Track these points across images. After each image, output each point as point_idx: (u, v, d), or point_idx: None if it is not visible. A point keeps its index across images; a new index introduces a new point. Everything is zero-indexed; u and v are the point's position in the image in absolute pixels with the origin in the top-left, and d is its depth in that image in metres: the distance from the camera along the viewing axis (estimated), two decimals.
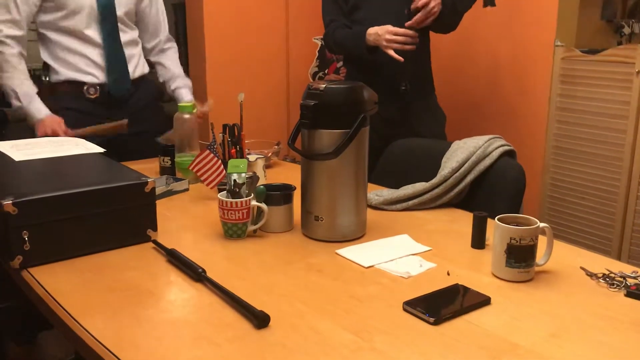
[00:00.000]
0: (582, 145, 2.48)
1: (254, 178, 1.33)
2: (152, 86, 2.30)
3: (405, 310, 0.98)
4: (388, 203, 1.52)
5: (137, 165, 1.57)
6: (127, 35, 2.12)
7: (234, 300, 0.99)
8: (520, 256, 1.07)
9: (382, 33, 2.01)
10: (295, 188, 1.38)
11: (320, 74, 3.44)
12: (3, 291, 1.75)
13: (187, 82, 2.30)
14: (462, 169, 1.50)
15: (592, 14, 2.71)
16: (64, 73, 2.05)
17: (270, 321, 0.93)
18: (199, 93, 3.10)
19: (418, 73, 2.17)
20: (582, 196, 2.51)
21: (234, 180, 1.30)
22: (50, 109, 2.00)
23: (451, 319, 0.95)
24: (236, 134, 1.73)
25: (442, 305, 0.99)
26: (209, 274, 1.09)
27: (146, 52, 2.29)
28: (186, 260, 1.14)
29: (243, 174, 1.31)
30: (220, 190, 1.35)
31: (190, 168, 1.57)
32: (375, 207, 1.52)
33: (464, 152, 1.53)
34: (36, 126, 1.96)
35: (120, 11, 2.07)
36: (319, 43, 3.38)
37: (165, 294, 1.06)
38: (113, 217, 1.23)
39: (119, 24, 2.08)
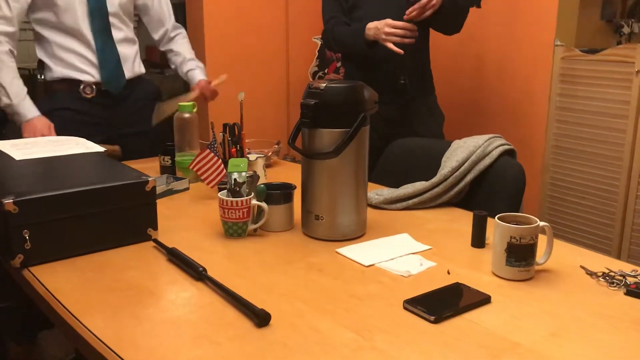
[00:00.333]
0: (582, 144, 2.48)
1: (254, 177, 1.34)
2: (151, 86, 2.30)
3: (405, 308, 0.98)
4: (388, 202, 1.52)
5: (138, 165, 1.57)
6: (121, 32, 2.11)
7: (234, 299, 0.99)
8: (520, 255, 1.08)
9: (381, 27, 2.01)
10: (295, 187, 1.38)
11: (320, 73, 3.44)
12: (3, 291, 1.76)
13: (199, 63, 2.28)
14: (462, 168, 1.51)
15: (591, 13, 2.71)
16: (59, 71, 2.04)
17: (271, 320, 0.93)
18: None
19: (417, 69, 2.17)
20: (582, 195, 2.51)
21: (235, 180, 1.30)
22: (47, 110, 1.98)
23: (451, 317, 0.95)
24: (236, 133, 1.74)
25: (442, 303, 0.99)
26: (210, 273, 1.09)
27: (156, 44, 2.28)
28: (187, 259, 1.14)
29: (243, 173, 1.31)
30: (220, 190, 1.35)
31: (191, 167, 1.57)
32: (375, 207, 1.52)
33: (464, 151, 1.53)
34: (24, 127, 1.92)
35: (112, 7, 2.06)
36: (319, 43, 3.38)
37: (165, 292, 1.06)
38: (114, 216, 1.23)
39: (112, 20, 2.07)
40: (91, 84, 2.06)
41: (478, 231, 1.26)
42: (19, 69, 2.01)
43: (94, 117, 2.08)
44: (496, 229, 1.10)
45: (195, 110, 1.81)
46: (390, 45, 1.99)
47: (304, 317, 0.96)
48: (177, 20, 2.32)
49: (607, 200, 2.41)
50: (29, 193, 1.13)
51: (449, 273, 1.13)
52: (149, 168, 1.82)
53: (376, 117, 1.34)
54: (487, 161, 1.52)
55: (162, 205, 1.44)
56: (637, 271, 1.12)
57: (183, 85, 2.36)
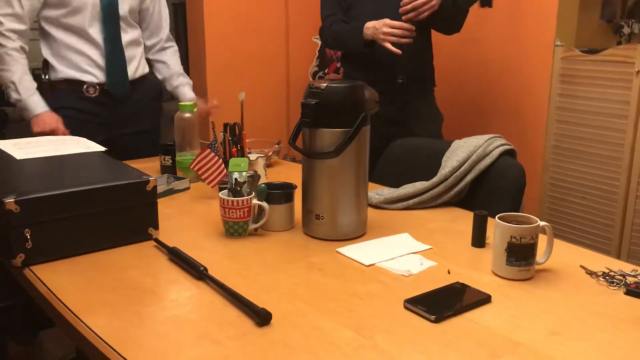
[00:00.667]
0: (582, 144, 2.48)
1: (255, 177, 1.34)
2: (152, 85, 2.30)
3: (406, 308, 0.99)
4: (388, 202, 1.52)
5: (138, 164, 1.57)
6: (128, 35, 2.12)
7: (235, 298, 0.99)
8: (520, 255, 1.08)
9: (379, 26, 2.02)
10: (296, 187, 1.38)
11: (321, 73, 3.45)
12: (3, 290, 1.76)
13: (188, 80, 2.30)
14: (463, 168, 1.51)
15: (591, 14, 2.71)
16: (64, 71, 2.05)
17: (272, 319, 0.93)
18: (200, 92, 3.10)
19: (416, 69, 2.17)
20: (581, 196, 2.51)
21: (235, 179, 1.30)
22: (50, 109, 1.99)
23: (452, 316, 0.96)
24: (237, 133, 1.74)
25: (442, 303, 0.99)
26: (211, 272, 1.09)
27: (146, 50, 2.29)
28: (188, 258, 1.14)
29: (244, 173, 1.31)
30: (221, 189, 1.36)
31: (191, 167, 1.58)
32: (375, 206, 1.52)
33: (464, 151, 1.53)
34: (33, 121, 1.95)
35: (123, 10, 2.07)
36: (319, 42, 3.38)
37: (167, 292, 1.06)
38: (115, 216, 1.23)
39: (121, 24, 2.08)
40: (94, 85, 2.07)
41: (478, 231, 1.26)
42: None
43: (96, 117, 2.08)
44: (496, 228, 1.10)
45: (195, 110, 1.81)
46: (388, 45, 2.00)
47: (304, 317, 0.96)
48: (177, 20, 2.32)
49: (607, 201, 2.41)
50: (30, 192, 1.14)
51: (449, 273, 1.13)
52: (149, 168, 1.82)
53: (375, 117, 1.34)
54: (487, 161, 1.53)
55: (163, 204, 1.45)
56: (637, 271, 1.12)
57: None
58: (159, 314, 0.97)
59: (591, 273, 1.12)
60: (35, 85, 1.98)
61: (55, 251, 1.17)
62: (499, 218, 1.11)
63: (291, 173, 1.89)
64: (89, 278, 1.10)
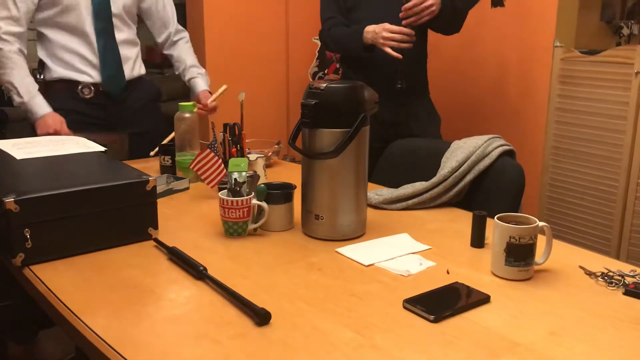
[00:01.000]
0: (581, 145, 2.49)
1: (254, 177, 1.34)
2: (150, 86, 2.30)
3: (405, 308, 0.99)
4: (388, 202, 1.52)
5: (138, 164, 1.58)
6: (123, 33, 2.12)
7: (235, 298, 0.99)
8: (519, 255, 1.08)
9: (379, 31, 2.02)
10: (295, 187, 1.39)
11: (320, 74, 3.45)
12: (3, 290, 1.76)
13: (201, 70, 2.28)
14: (462, 168, 1.51)
15: (591, 15, 2.72)
16: (59, 71, 2.05)
17: (272, 319, 0.94)
18: None
19: (414, 72, 2.17)
20: (581, 196, 2.51)
21: (235, 179, 1.30)
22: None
23: (451, 316, 0.96)
24: (237, 133, 1.74)
25: (442, 303, 0.99)
26: (210, 272, 1.09)
27: (159, 47, 2.29)
28: (187, 258, 1.14)
29: (244, 173, 1.31)
30: (220, 189, 1.36)
31: (191, 167, 1.58)
32: (375, 207, 1.52)
33: (464, 151, 1.53)
34: (37, 124, 1.95)
35: (116, 7, 2.07)
36: (319, 43, 3.39)
37: (166, 291, 1.06)
38: (114, 215, 1.23)
39: (115, 21, 2.08)
40: (89, 85, 2.06)
41: (477, 231, 1.27)
42: None
43: (92, 118, 2.08)
44: (495, 229, 1.11)
45: (195, 110, 1.81)
46: (389, 50, 2.00)
47: (304, 316, 0.96)
48: (177, 20, 2.32)
49: (606, 201, 2.42)
50: (30, 192, 1.14)
51: (448, 273, 1.13)
52: (149, 168, 1.82)
53: (373, 118, 1.34)
54: (486, 162, 1.53)
55: (162, 204, 1.45)
56: (635, 271, 1.12)
57: (183, 86, 2.37)
58: (159, 314, 0.97)
59: (590, 273, 1.12)
60: (37, 87, 1.98)
61: (55, 251, 1.17)
62: (498, 218, 1.11)
63: (291, 173, 1.89)
64: (89, 278, 1.11)
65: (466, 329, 0.92)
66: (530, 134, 2.70)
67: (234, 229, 1.30)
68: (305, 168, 1.31)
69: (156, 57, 5.75)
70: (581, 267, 1.15)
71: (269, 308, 0.94)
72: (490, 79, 2.85)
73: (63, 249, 1.18)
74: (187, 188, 1.69)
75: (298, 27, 3.34)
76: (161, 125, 2.30)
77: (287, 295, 1.04)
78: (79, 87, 2.06)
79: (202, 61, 3.08)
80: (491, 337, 0.90)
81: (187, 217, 1.47)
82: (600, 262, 1.17)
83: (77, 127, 1.97)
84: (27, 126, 2.04)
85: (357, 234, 1.32)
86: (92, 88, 2.07)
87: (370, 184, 1.50)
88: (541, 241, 1.12)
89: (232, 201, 1.28)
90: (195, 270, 1.10)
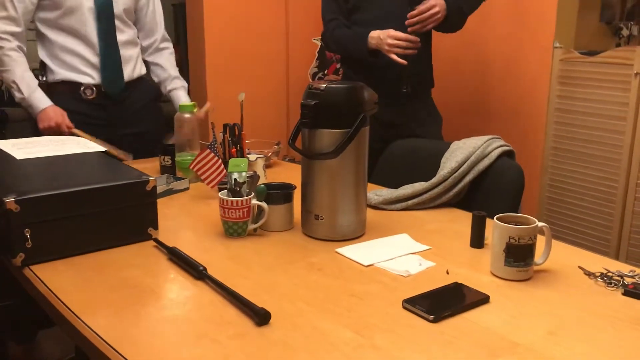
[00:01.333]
0: (581, 146, 2.49)
1: (254, 177, 1.34)
2: (150, 86, 2.31)
3: (405, 308, 0.99)
4: (387, 202, 1.53)
5: (138, 165, 1.58)
6: (124, 34, 2.12)
7: (235, 298, 1.00)
8: (519, 255, 1.08)
9: (384, 37, 2.01)
10: (295, 187, 1.39)
11: (320, 74, 3.45)
12: (3, 290, 1.76)
13: (183, 83, 2.31)
14: (461, 169, 1.51)
15: (591, 16, 2.72)
16: (61, 73, 2.05)
17: (271, 319, 0.94)
18: (199, 93, 3.11)
19: (419, 75, 2.18)
20: (580, 197, 2.52)
21: (235, 179, 1.30)
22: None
23: (450, 317, 0.96)
24: (236, 133, 1.74)
25: (441, 303, 1.00)
26: (210, 272, 1.09)
27: (142, 51, 2.29)
28: (187, 258, 1.15)
29: (244, 173, 1.31)
30: (220, 190, 1.36)
31: (191, 167, 1.58)
32: (374, 207, 1.53)
33: (463, 152, 1.53)
34: (38, 118, 1.96)
35: (117, 8, 2.07)
36: (319, 44, 3.39)
37: (166, 291, 1.06)
38: (114, 216, 1.23)
39: (116, 22, 2.08)
40: (91, 86, 2.07)
41: (477, 231, 1.27)
42: None
43: (94, 119, 2.09)
44: (495, 229, 1.11)
45: (195, 110, 1.81)
46: (394, 57, 2.00)
47: (304, 316, 0.96)
48: (177, 21, 2.32)
49: (606, 202, 2.42)
50: (31, 192, 1.14)
51: (448, 273, 1.13)
52: (149, 168, 1.82)
53: (375, 119, 1.34)
54: (486, 162, 1.53)
55: (162, 205, 1.45)
56: (634, 272, 1.12)
57: None
58: (159, 314, 0.97)
59: (589, 274, 1.12)
60: (36, 82, 1.99)
61: (55, 251, 1.17)
62: (497, 219, 1.11)
63: (290, 173, 1.89)
64: (89, 278, 1.11)
65: (465, 329, 0.92)
66: (529, 134, 2.70)
67: (233, 229, 1.30)
68: (305, 168, 1.31)
69: None
70: (580, 268, 1.15)
71: (269, 308, 0.95)
72: (489, 79, 2.86)
73: (63, 249, 1.18)
74: (187, 188, 1.69)
75: (298, 27, 3.34)
76: (161, 125, 2.30)
77: (286, 295, 1.04)
78: (81, 89, 2.06)
79: (202, 62, 3.09)
80: (490, 337, 0.90)
81: (187, 217, 1.47)
82: (599, 263, 1.18)
83: (78, 127, 1.97)
84: (27, 126, 2.05)
85: (356, 234, 1.32)
86: (94, 89, 2.08)
87: (370, 185, 1.50)
88: (540, 241, 1.12)
89: (232, 201, 1.28)
90: (195, 271, 1.10)
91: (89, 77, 2.07)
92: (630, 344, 0.89)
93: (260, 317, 0.93)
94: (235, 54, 3.16)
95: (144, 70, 2.24)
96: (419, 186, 1.52)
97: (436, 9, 1.98)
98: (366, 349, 0.87)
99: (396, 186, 1.57)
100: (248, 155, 1.74)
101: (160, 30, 2.29)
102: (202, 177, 1.57)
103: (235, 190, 1.30)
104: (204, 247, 1.27)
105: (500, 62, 2.79)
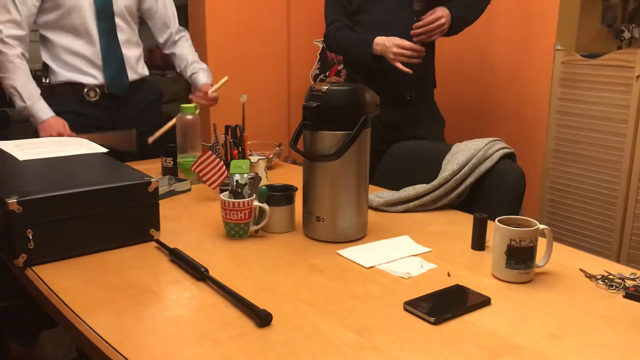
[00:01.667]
0: (582, 148, 2.49)
1: (256, 179, 1.34)
2: (153, 87, 2.31)
3: (406, 310, 0.99)
4: (389, 204, 1.53)
5: (140, 166, 1.58)
6: (125, 34, 2.12)
7: (236, 299, 1.00)
8: (520, 257, 1.08)
9: (389, 45, 2.00)
10: (297, 189, 1.39)
11: (322, 76, 3.45)
12: (5, 290, 1.76)
13: (202, 65, 2.28)
14: (463, 171, 1.51)
15: (592, 18, 2.72)
16: (64, 74, 2.06)
17: (273, 320, 0.94)
18: None
19: (423, 80, 2.17)
20: (581, 199, 2.52)
21: (236, 181, 1.31)
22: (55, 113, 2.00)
23: (451, 319, 0.96)
24: (238, 135, 1.74)
25: (442, 305, 1.00)
26: (211, 274, 1.09)
27: (161, 47, 2.30)
28: (189, 259, 1.15)
29: (245, 175, 1.32)
30: (222, 191, 1.36)
31: (193, 169, 1.58)
32: (376, 209, 1.53)
33: (465, 154, 1.54)
34: (40, 128, 1.96)
35: (118, 6, 2.07)
36: (320, 45, 3.39)
37: (168, 292, 1.07)
38: (116, 217, 1.24)
39: (117, 21, 2.08)
40: (95, 87, 2.08)
41: (478, 234, 1.27)
42: None
43: (97, 120, 2.09)
44: (496, 231, 1.11)
45: (197, 112, 1.82)
46: (399, 65, 1.99)
47: (305, 317, 0.96)
48: (179, 22, 2.33)
49: (607, 204, 2.42)
50: (33, 193, 1.14)
51: (449, 275, 1.14)
52: (151, 169, 1.83)
53: (377, 121, 1.34)
54: (487, 164, 1.53)
55: (164, 206, 1.45)
56: (635, 274, 1.12)
57: (184, 88, 2.38)
58: (160, 314, 0.98)
59: (590, 276, 1.12)
60: (39, 91, 1.98)
61: (57, 251, 1.17)
62: (498, 221, 1.11)
63: (292, 175, 1.90)
64: (91, 278, 1.11)
65: (466, 331, 0.93)
66: (531, 136, 2.70)
67: (235, 231, 1.31)
68: (307, 170, 1.32)
69: (157, 59, 5.77)
70: (581, 270, 1.15)
71: (270, 309, 0.95)
72: (490, 82, 2.86)
73: (65, 249, 1.18)
74: (189, 190, 1.70)
75: (299, 29, 3.34)
76: (161, 126, 2.30)
77: (288, 296, 1.04)
78: (85, 90, 2.07)
79: (204, 63, 3.08)
80: (491, 339, 0.90)
81: (189, 218, 1.47)
82: (600, 265, 1.18)
83: (82, 129, 1.97)
84: (29, 127, 2.05)
85: (358, 236, 1.32)
86: (98, 90, 2.08)
87: (371, 186, 1.50)
88: (542, 244, 1.12)
89: (233, 203, 1.28)
90: (197, 272, 1.11)
91: (92, 77, 2.07)
92: (631, 347, 0.89)
93: (262, 318, 0.93)
94: (237, 55, 3.16)
95: (146, 71, 2.24)
96: (420, 188, 1.52)
97: (442, 21, 1.98)
98: (367, 350, 0.87)
99: (397, 188, 1.57)
100: (250, 157, 1.74)
101: (175, 23, 2.29)
102: (204, 179, 1.57)
103: (236, 191, 1.30)
104: (205, 249, 1.27)
105: (502, 64, 2.79)
